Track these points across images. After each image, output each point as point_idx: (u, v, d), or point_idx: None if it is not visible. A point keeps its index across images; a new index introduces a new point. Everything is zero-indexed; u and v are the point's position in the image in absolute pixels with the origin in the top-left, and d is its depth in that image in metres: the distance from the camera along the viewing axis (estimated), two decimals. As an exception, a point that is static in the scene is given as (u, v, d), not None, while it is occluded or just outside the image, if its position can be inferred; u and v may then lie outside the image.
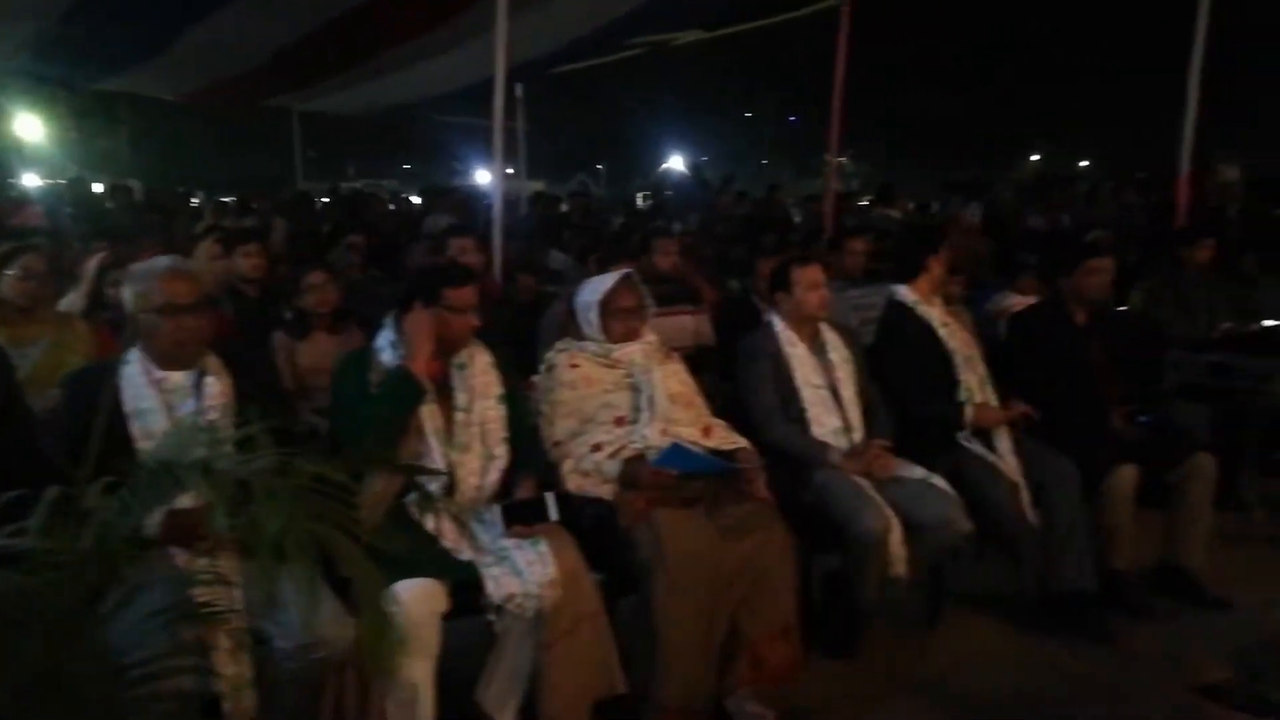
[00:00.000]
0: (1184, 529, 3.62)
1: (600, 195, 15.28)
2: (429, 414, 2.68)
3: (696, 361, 4.12)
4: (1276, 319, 5.06)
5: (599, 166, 23.61)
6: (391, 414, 2.61)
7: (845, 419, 3.42)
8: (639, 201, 12.79)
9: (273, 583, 1.26)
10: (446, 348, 2.77)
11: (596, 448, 2.96)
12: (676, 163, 20.15)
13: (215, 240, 4.68)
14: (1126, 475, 3.49)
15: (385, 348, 2.73)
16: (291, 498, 1.31)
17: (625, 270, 3.30)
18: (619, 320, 3.16)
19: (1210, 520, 3.65)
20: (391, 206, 11.65)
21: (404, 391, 2.62)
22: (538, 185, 16.46)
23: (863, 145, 21.07)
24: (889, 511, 3.10)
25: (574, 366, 3.12)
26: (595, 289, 3.21)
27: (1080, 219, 7.63)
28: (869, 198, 11.97)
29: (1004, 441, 3.54)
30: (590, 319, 3.19)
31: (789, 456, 3.30)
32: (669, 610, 2.69)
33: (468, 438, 2.74)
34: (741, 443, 3.10)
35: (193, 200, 12.65)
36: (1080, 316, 3.93)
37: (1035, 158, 20.60)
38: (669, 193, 12.59)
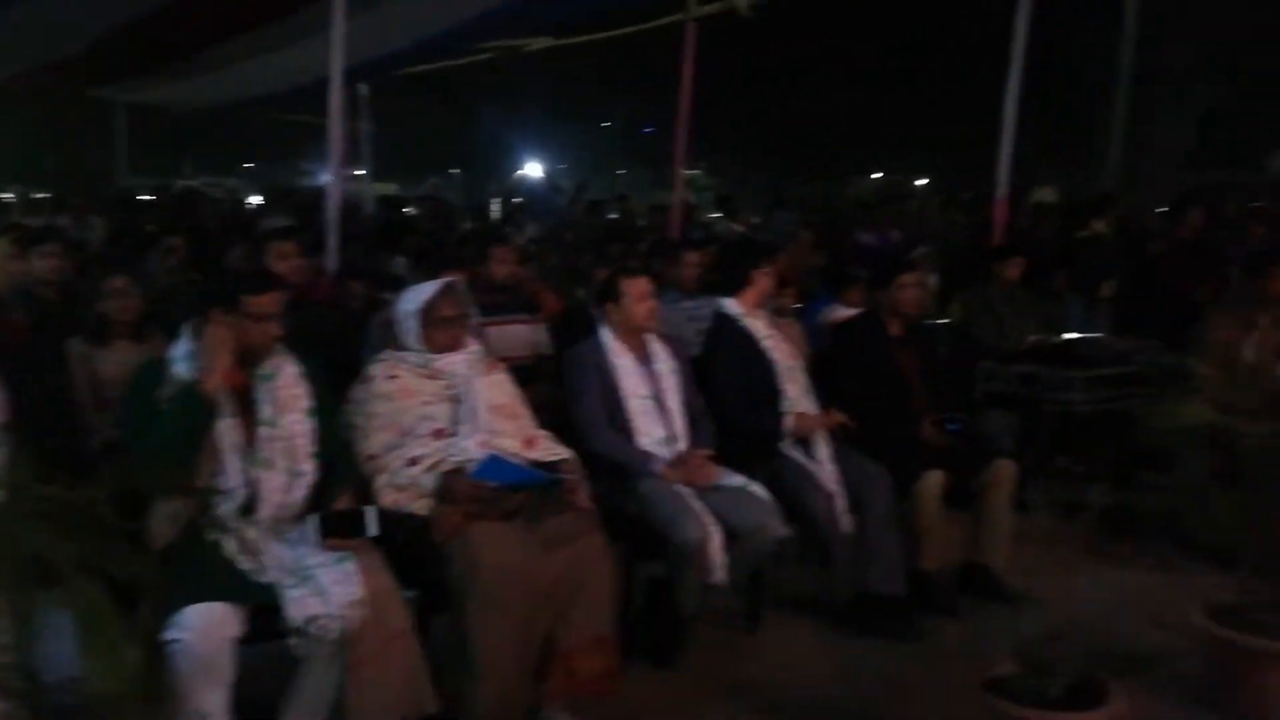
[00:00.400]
0: (987, 530, 3.83)
1: (453, 200, 15.04)
2: (228, 429, 2.55)
3: (533, 372, 4.11)
4: (1080, 332, 5.44)
5: (454, 170, 23.25)
6: (181, 433, 2.46)
7: (670, 429, 3.47)
8: (493, 208, 12.67)
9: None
10: (248, 358, 2.64)
11: (413, 461, 2.89)
12: (534, 169, 20.10)
13: (11, 240, 4.35)
14: (934, 480, 3.66)
15: (181, 359, 2.58)
16: (20, 524, 1.22)
17: (447, 279, 3.24)
18: (440, 330, 3.10)
19: (1011, 522, 3.88)
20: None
21: (193, 411, 2.47)
22: (388, 188, 16.07)
23: (721, 157, 21.49)
24: (709, 519, 3.16)
25: (392, 378, 3.04)
26: (415, 297, 3.14)
27: (911, 235, 8.01)
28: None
29: (823, 450, 3.66)
30: (410, 328, 3.12)
31: (613, 466, 3.32)
32: (483, 625, 2.65)
33: (272, 453, 2.62)
34: (564, 454, 3.10)
35: (4, 196, 11.74)
36: (895, 329, 4.11)
37: (879, 175, 21.54)
38: (517, 199, 12.55)
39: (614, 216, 10.83)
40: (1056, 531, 4.49)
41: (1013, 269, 5.55)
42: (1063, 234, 7.23)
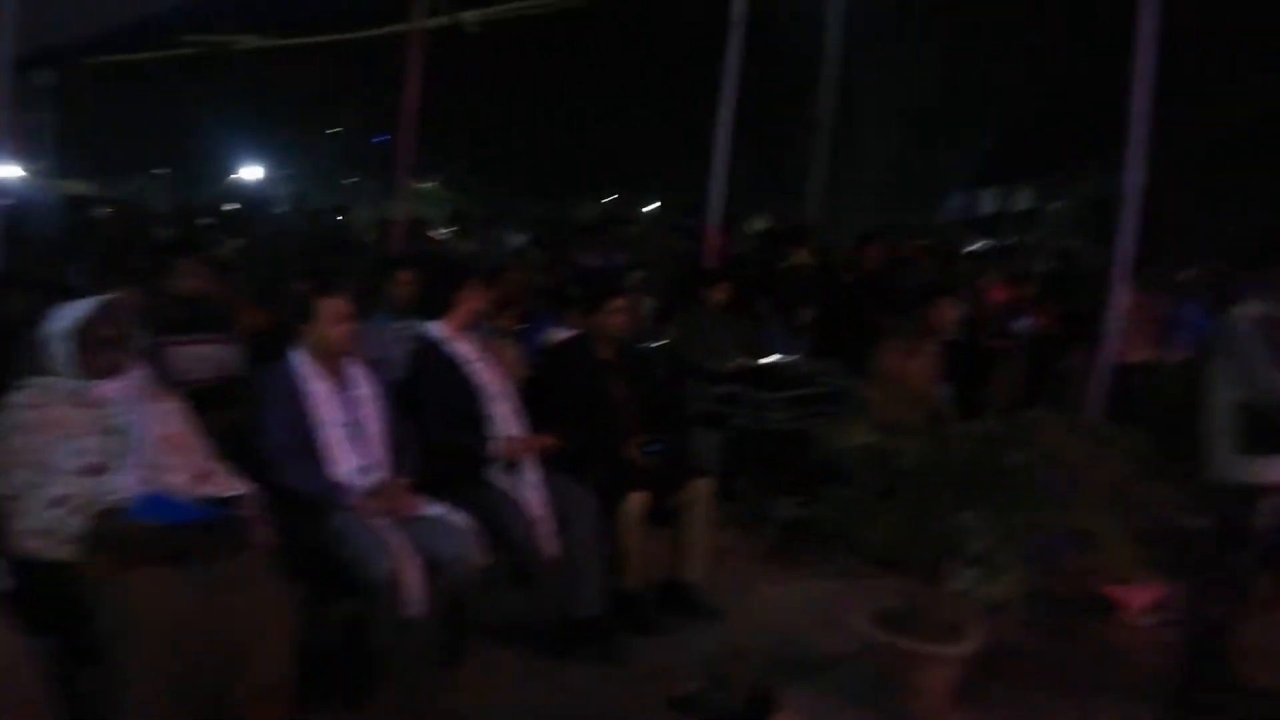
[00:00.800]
0: (686, 547, 3.98)
1: (160, 202, 13.76)
2: None
3: (218, 395, 3.81)
4: (781, 355, 5.81)
5: (162, 171, 21.30)
6: None
7: (369, 457, 3.32)
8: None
9: None
10: None
11: (58, 502, 2.56)
12: (254, 172, 18.88)
13: None
14: (636, 501, 3.75)
15: None
16: None
17: (106, 295, 2.92)
18: (97, 353, 2.79)
19: (710, 538, 4.04)
20: None
21: None
22: (79, 186, 14.48)
23: (459, 172, 21.12)
24: (406, 551, 3.05)
25: (36, 407, 2.69)
26: (68, 316, 2.81)
27: (632, 259, 8.26)
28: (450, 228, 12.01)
29: (531, 474, 3.65)
30: (62, 351, 2.78)
31: (303, 499, 3.13)
32: (140, 681, 2.40)
33: None
34: (241, 489, 2.87)
35: None
36: (606, 351, 4.19)
37: (614, 197, 22.09)
38: (231, 205, 11.73)
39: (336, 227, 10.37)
40: (750, 545, 4.73)
41: (719, 293, 5.85)
42: (767, 262, 7.72)
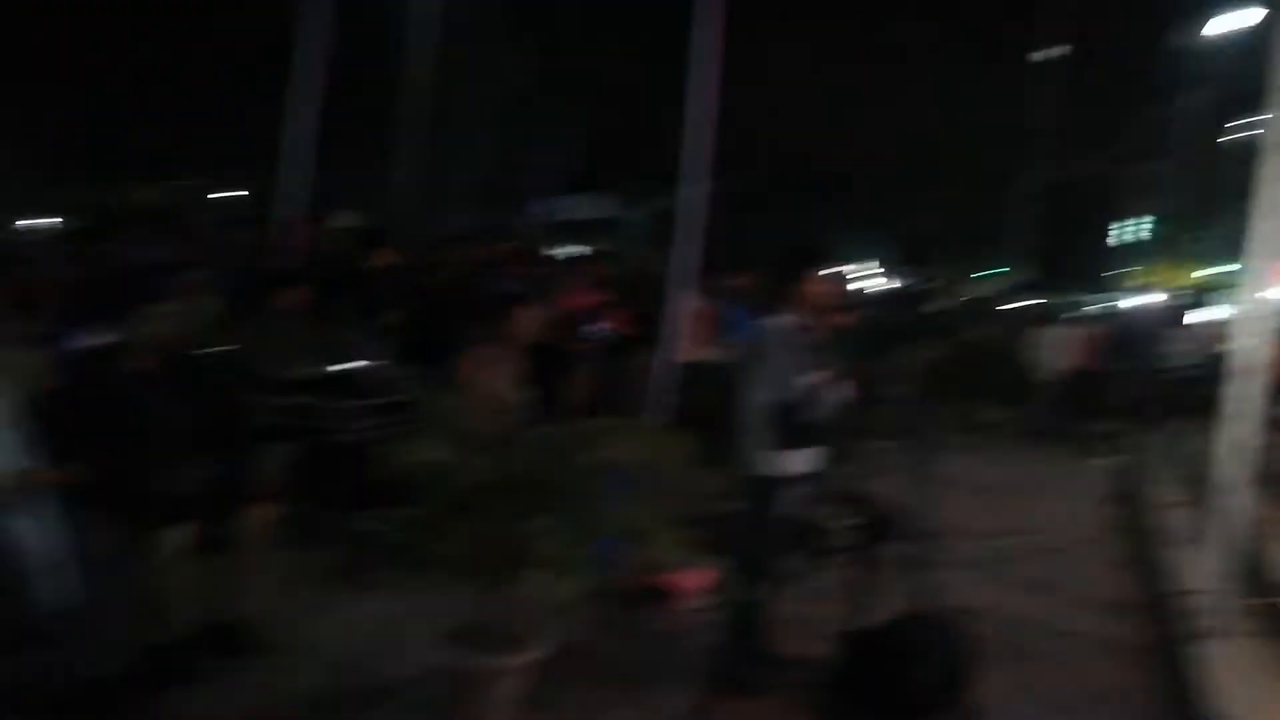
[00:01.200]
0: (241, 579, 3.61)
1: None
2: None
3: None
4: (363, 361, 5.51)
5: None
6: None
7: None
8: None
9: None
10: None
11: None
12: None
13: None
14: (179, 536, 3.33)
15: None
16: None
17: None
18: None
19: (269, 565, 3.70)
20: None
21: None
22: None
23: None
24: None
25: None
26: None
27: (197, 254, 7.43)
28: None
29: (38, 513, 3.07)
30: None
31: None
32: None
33: None
34: None
35: None
36: (146, 362, 3.67)
37: (184, 184, 19.89)
38: None
39: None
40: (317, 569, 4.42)
41: (295, 295, 5.41)
42: (351, 262, 7.35)
